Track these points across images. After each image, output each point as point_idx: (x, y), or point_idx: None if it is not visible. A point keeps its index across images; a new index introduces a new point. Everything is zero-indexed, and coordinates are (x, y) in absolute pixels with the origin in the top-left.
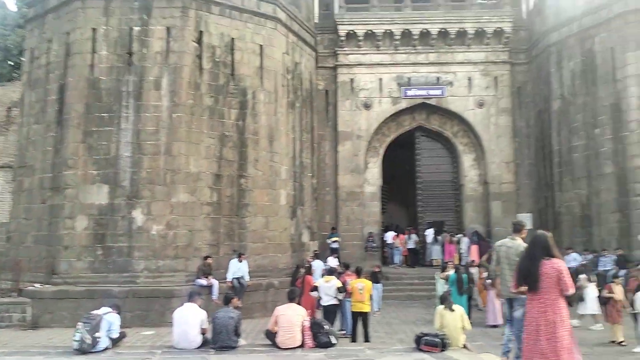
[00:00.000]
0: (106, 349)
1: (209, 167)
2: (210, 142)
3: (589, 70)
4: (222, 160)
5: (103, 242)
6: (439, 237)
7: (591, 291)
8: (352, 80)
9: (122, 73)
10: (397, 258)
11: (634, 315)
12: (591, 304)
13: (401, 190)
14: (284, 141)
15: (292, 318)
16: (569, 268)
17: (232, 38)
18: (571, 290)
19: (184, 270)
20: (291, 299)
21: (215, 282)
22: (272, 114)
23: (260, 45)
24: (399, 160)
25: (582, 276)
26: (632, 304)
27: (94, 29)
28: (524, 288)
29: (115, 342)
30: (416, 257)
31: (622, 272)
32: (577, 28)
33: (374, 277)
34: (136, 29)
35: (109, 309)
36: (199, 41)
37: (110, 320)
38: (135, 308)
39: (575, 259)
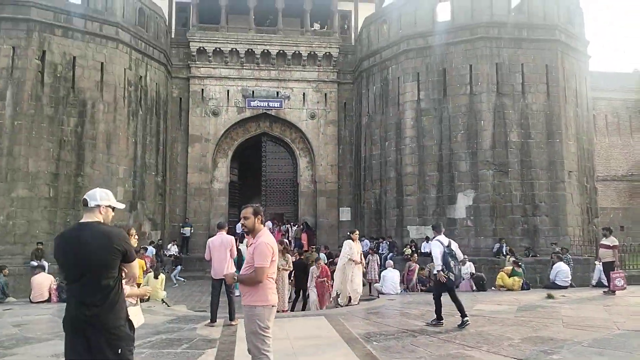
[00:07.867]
0: None
1: (47, 167)
2: (49, 145)
3: (384, 94)
4: (60, 162)
5: None
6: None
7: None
8: (202, 90)
9: None
10: None
11: None
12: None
13: (252, 186)
14: (123, 144)
15: None
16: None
17: (74, 56)
18: None
19: (22, 254)
20: None
21: (45, 264)
22: (111, 121)
23: (102, 63)
24: (252, 160)
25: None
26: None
27: None
28: None
29: None
30: None
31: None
32: (379, 59)
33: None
34: None
35: None
36: (42, 59)
37: None
38: None
39: (367, 244)
